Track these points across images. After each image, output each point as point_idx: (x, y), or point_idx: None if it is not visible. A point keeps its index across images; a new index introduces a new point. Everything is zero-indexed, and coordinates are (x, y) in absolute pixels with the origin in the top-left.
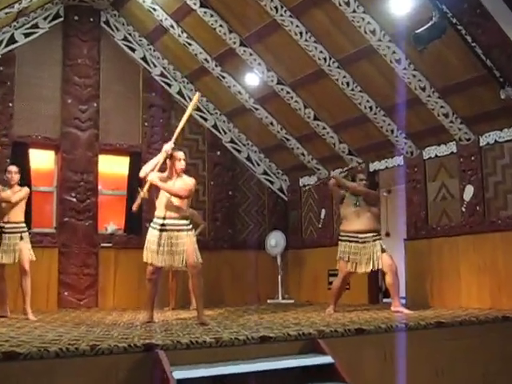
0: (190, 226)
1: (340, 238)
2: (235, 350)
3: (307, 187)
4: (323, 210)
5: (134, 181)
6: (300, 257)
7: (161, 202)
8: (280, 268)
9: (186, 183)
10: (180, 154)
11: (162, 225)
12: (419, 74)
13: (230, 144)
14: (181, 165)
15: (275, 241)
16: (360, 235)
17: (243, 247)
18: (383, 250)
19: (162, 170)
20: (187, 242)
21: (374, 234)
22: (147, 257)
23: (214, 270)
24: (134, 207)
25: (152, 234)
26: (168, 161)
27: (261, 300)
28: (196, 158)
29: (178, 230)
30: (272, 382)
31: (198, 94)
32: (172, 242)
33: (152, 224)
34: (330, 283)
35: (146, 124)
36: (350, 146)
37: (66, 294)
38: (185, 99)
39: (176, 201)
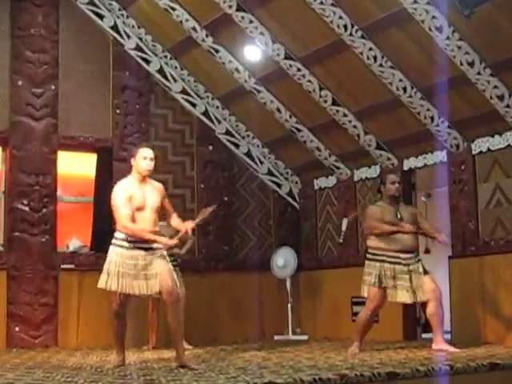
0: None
1: (370, 256)
2: None
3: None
4: (345, 220)
5: (103, 184)
6: (315, 280)
7: (135, 216)
8: (290, 295)
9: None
10: (142, 151)
11: (132, 242)
12: (466, 45)
13: (225, 136)
14: (146, 165)
15: (283, 260)
16: (402, 255)
17: (243, 268)
18: (425, 272)
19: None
20: (161, 262)
21: (416, 254)
22: (110, 283)
23: (205, 297)
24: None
25: (118, 254)
26: (132, 160)
27: (266, 336)
28: (181, 154)
29: (150, 250)
30: None
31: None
32: (145, 263)
33: (116, 241)
34: (355, 314)
35: (117, 111)
36: (378, 137)
37: (16, 329)
38: (167, 80)
39: (152, 215)
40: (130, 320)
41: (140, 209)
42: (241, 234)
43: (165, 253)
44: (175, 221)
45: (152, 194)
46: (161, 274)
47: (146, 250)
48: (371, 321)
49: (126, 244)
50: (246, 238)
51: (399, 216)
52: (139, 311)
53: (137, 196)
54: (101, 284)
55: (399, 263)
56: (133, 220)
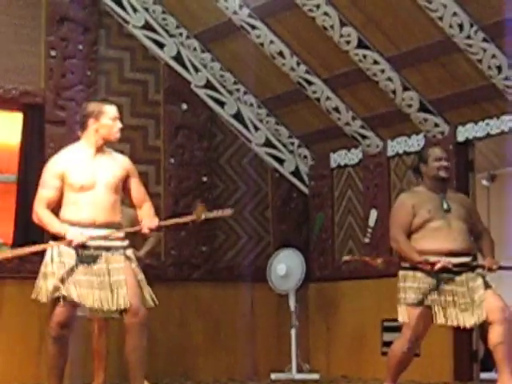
0: (127, 242)
1: (406, 264)
2: None
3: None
4: (374, 212)
5: (31, 156)
6: (331, 296)
7: (78, 198)
8: (295, 316)
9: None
10: (110, 110)
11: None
12: None
13: (204, 90)
14: (116, 127)
15: (286, 267)
16: (453, 260)
17: (228, 278)
18: (487, 285)
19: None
20: (125, 269)
21: (472, 259)
22: (49, 290)
23: (175, 317)
24: None
25: (62, 254)
26: (90, 120)
27: (259, 374)
28: (143, 115)
29: (109, 249)
30: None
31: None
32: (100, 268)
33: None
34: (386, 344)
35: (52, 54)
36: (421, 95)
37: None
38: (124, 9)
39: (108, 197)
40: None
41: (86, 188)
42: (226, 229)
43: (131, 253)
44: (144, 213)
45: (108, 167)
46: (127, 284)
47: (103, 249)
48: (410, 355)
49: None
50: (234, 235)
51: (446, 207)
52: (80, 336)
53: (80, 170)
54: (36, 292)
55: (449, 272)
56: (74, 204)
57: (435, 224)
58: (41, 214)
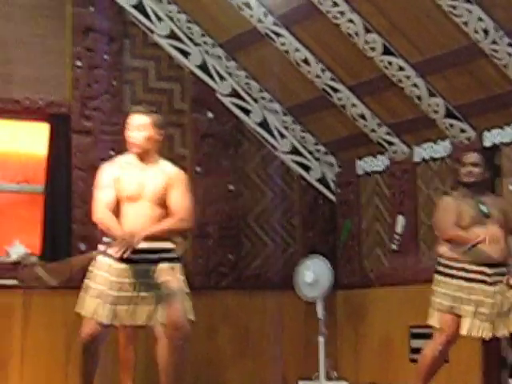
0: (175, 254)
1: (442, 269)
2: None
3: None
4: (400, 218)
5: (58, 167)
6: (358, 303)
7: (126, 209)
8: (322, 323)
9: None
10: (130, 118)
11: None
12: None
13: (230, 99)
14: (129, 137)
15: (313, 274)
16: (488, 270)
17: (255, 286)
18: None
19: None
20: (172, 282)
21: (509, 268)
22: (89, 307)
23: (203, 326)
24: None
25: (106, 267)
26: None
27: (287, 381)
28: (169, 124)
29: (156, 262)
30: None
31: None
32: (146, 282)
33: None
34: (414, 351)
35: (77, 64)
36: (447, 101)
37: None
38: (149, 19)
39: (152, 211)
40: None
41: (132, 199)
42: (253, 237)
43: (177, 266)
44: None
45: (154, 179)
46: (171, 298)
47: (150, 262)
48: (441, 359)
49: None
50: (261, 243)
51: (486, 211)
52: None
53: (129, 180)
54: (80, 306)
55: (483, 281)
56: (117, 215)
57: (474, 231)
58: (101, 216)
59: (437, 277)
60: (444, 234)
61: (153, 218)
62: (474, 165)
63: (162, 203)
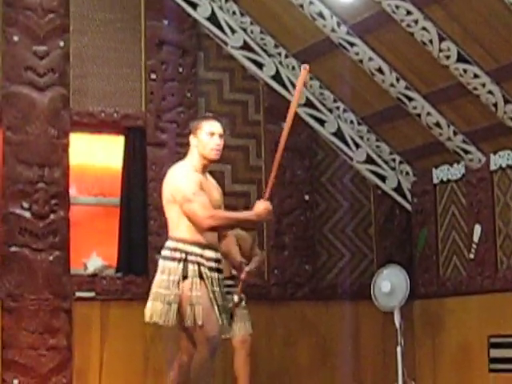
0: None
1: None
2: None
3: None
4: (478, 227)
5: (134, 179)
6: (436, 313)
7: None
8: (400, 333)
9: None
10: (206, 124)
11: (215, 260)
12: None
13: (304, 109)
14: (214, 144)
15: (390, 284)
16: None
17: (332, 297)
18: None
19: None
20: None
21: None
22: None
23: (279, 337)
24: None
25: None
26: (191, 137)
27: None
28: (244, 135)
29: (220, 272)
30: None
31: (305, 67)
32: (217, 290)
33: (190, 256)
34: (493, 361)
35: (152, 77)
36: None
37: (15, 382)
38: (222, 31)
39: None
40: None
41: None
42: (329, 247)
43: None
44: (232, 248)
45: (215, 191)
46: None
47: (218, 271)
48: None
49: (209, 263)
50: (337, 253)
51: None
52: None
53: (205, 190)
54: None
55: None
56: (194, 228)
57: None
58: (217, 213)
59: None
60: None
61: None
62: None
63: None
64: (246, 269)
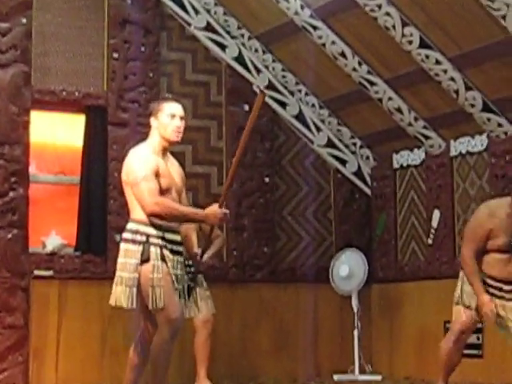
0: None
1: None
2: None
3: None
4: (437, 212)
5: (94, 158)
6: (394, 297)
7: None
8: (357, 317)
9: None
10: (168, 106)
11: (176, 243)
12: None
13: (267, 92)
14: (175, 126)
15: (349, 268)
16: (506, 287)
17: (290, 279)
18: None
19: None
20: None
21: None
22: (160, 298)
23: (238, 319)
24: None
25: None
26: (152, 119)
27: (322, 375)
28: (205, 116)
29: (182, 254)
30: None
31: (263, 93)
32: (182, 274)
33: (152, 239)
34: None
35: (115, 56)
36: (485, 95)
37: None
38: (186, 11)
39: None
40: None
41: (165, 193)
42: (288, 230)
43: None
44: (191, 236)
45: (176, 173)
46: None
47: (180, 254)
48: (457, 353)
49: (169, 244)
50: (296, 236)
51: None
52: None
53: (163, 173)
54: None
55: (501, 297)
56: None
57: (502, 256)
58: (165, 202)
59: (461, 273)
60: (462, 257)
61: None
62: None
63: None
64: (203, 258)
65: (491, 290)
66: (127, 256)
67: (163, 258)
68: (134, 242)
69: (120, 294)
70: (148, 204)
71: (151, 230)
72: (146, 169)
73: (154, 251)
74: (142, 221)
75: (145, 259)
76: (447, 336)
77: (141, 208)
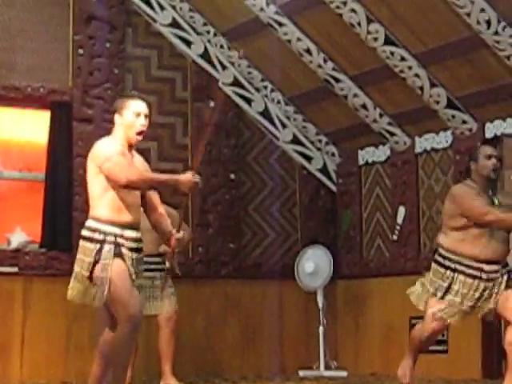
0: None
1: (440, 259)
2: None
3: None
4: (402, 209)
5: (59, 154)
6: (359, 293)
7: (123, 197)
8: (322, 313)
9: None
10: (133, 104)
11: (135, 240)
12: None
13: (232, 88)
14: (139, 124)
15: (314, 264)
16: (486, 267)
17: (256, 275)
18: (509, 285)
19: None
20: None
21: (504, 264)
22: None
23: (203, 315)
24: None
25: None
26: (117, 116)
27: (287, 371)
28: (170, 112)
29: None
30: None
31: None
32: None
33: (109, 237)
34: None
35: (80, 52)
36: (449, 92)
37: None
38: (151, 7)
39: (139, 199)
40: None
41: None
42: (253, 226)
43: None
44: (162, 220)
45: (142, 168)
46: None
47: (138, 251)
48: (432, 338)
49: (128, 243)
50: (261, 232)
51: (499, 207)
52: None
53: (130, 164)
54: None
55: (479, 278)
56: (116, 206)
57: (478, 230)
58: (137, 170)
59: (434, 267)
60: (484, 218)
61: (140, 205)
62: (498, 158)
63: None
64: (177, 236)
65: (469, 271)
66: (84, 253)
67: (121, 256)
68: (91, 240)
69: (76, 290)
70: (123, 175)
71: (109, 228)
72: (115, 150)
73: (107, 250)
74: (101, 219)
75: (99, 258)
76: (425, 321)
77: (114, 181)
